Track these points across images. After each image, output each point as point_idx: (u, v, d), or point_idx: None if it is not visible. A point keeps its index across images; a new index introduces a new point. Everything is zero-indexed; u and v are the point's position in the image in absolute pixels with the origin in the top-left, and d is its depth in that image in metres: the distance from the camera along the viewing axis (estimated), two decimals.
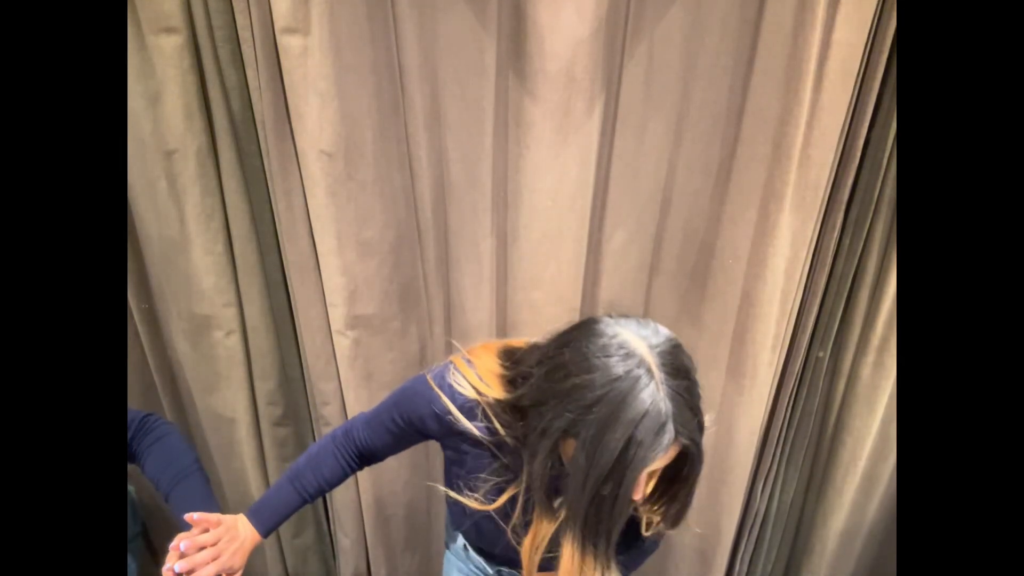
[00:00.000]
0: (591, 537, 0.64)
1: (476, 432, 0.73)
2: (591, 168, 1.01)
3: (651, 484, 0.68)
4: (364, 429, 0.83)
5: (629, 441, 0.58)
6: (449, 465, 0.80)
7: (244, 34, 0.94)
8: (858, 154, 1.00)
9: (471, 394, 0.72)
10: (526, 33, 0.93)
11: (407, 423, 0.78)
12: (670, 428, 0.59)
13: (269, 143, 0.99)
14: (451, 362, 0.76)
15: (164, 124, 0.98)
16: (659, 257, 1.11)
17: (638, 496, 0.63)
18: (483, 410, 0.72)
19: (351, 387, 1.16)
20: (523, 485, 0.71)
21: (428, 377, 0.76)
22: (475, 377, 0.73)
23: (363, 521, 1.33)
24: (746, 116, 0.98)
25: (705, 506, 1.28)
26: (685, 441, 0.60)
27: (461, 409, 0.73)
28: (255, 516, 0.80)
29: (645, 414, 0.58)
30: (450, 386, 0.74)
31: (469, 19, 0.94)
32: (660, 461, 0.61)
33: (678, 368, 0.62)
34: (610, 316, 0.67)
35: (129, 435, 0.86)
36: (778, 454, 1.25)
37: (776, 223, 1.02)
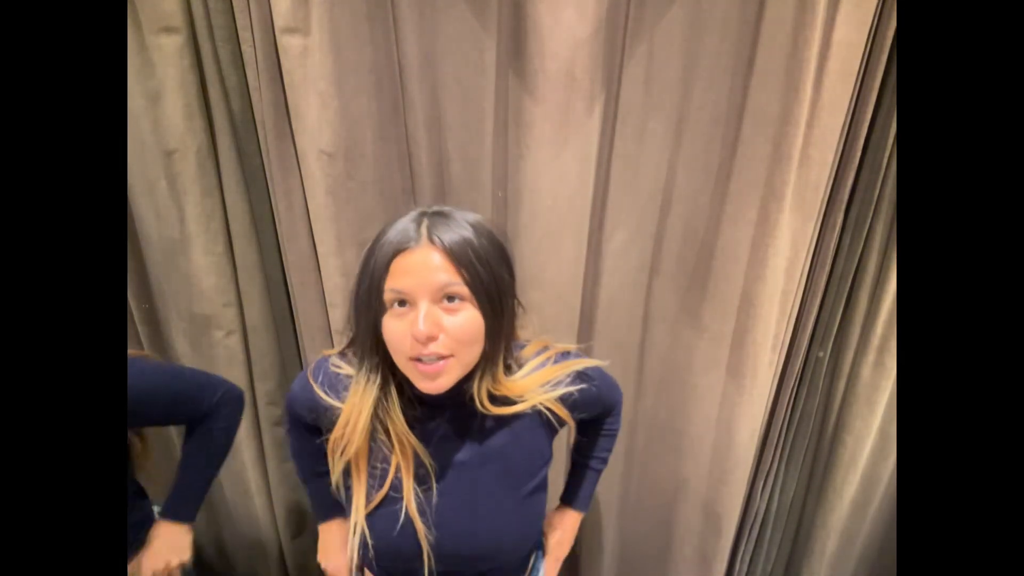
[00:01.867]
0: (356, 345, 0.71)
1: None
2: (591, 168, 1.01)
3: (433, 315, 0.65)
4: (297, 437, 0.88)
5: (378, 237, 0.67)
6: (345, 490, 0.80)
7: (244, 34, 0.94)
8: (858, 154, 0.99)
9: (349, 370, 0.74)
10: (526, 33, 0.93)
11: (307, 415, 0.80)
12: (421, 232, 0.64)
13: (269, 143, 0.99)
14: (324, 355, 0.80)
15: (164, 124, 0.98)
16: (659, 257, 1.11)
17: (423, 327, 0.62)
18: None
19: None
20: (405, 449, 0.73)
21: (307, 374, 0.79)
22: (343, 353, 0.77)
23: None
24: (746, 116, 0.98)
25: (705, 506, 1.28)
26: (438, 241, 0.63)
27: (340, 389, 0.75)
28: (325, 518, 0.94)
29: (397, 222, 0.67)
30: (326, 372, 0.77)
31: (469, 19, 0.94)
32: (410, 258, 0.63)
33: (444, 209, 0.68)
34: None
35: (213, 401, 0.92)
36: (778, 454, 1.25)
37: (776, 223, 1.02)
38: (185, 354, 1.18)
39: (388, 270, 0.64)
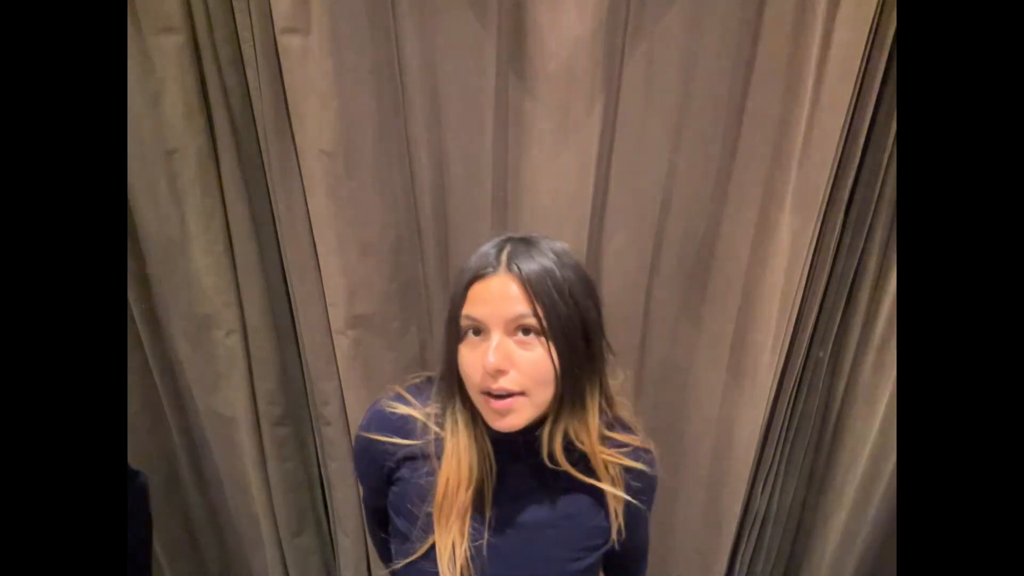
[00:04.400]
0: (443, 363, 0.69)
1: (411, 442, 0.72)
2: (591, 168, 1.01)
3: (508, 348, 0.62)
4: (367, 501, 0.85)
5: (462, 269, 0.65)
6: (394, 515, 0.75)
7: (244, 34, 0.94)
8: (858, 154, 0.99)
9: (404, 410, 0.72)
10: (526, 33, 0.93)
11: (370, 472, 0.77)
12: (501, 259, 0.63)
13: (269, 143, 0.99)
14: (379, 398, 0.76)
15: (164, 124, 0.98)
16: (659, 257, 1.11)
17: (492, 360, 0.60)
18: (420, 424, 0.71)
19: (351, 387, 1.16)
20: None
21: (360, 430, 0.76)
22: (404, 394, 0.74)
23: (363, 521, 1.33)
24: (746, 116, 0.98)
25: (705, 506, 1.28)
26: (516, 270, 0.61)
27: (398, 431, 0.72)
28: None
29: (482, 246, 0.66)
30: (379, 412, 0.73)
31: (469, 19, 0.94)
32: (487, 285, 0.62)
33: (530, 236, 0.66)
34: None
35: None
36: (778, 454, 1.25)
37: (776, 223, 1.02)
38: (185, 354, 1.18)
39: (465, 297, 0.62)
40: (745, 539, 1.34)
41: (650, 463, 0.75)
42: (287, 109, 0.96)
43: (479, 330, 0.62)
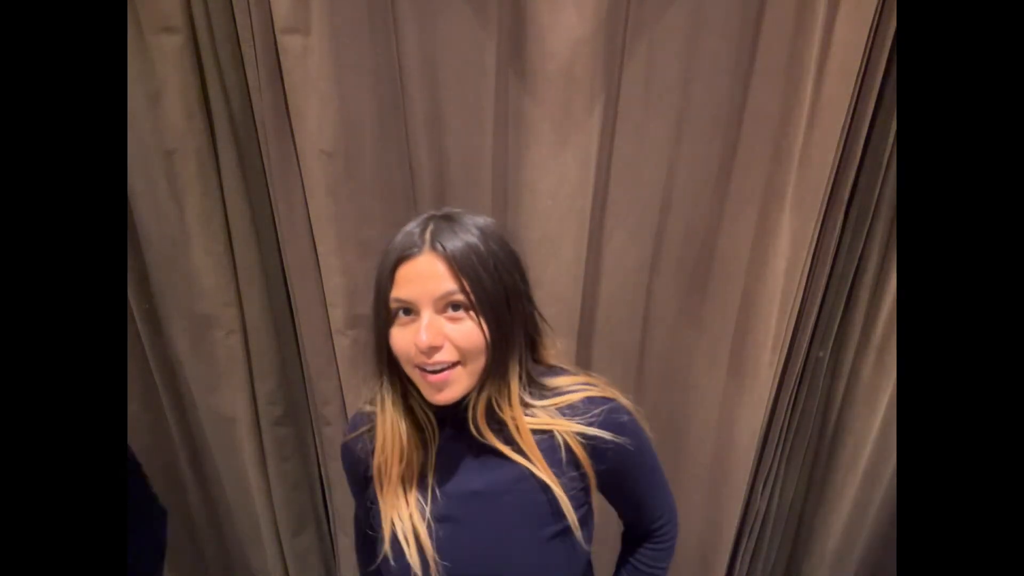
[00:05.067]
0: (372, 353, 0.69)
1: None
2: (591, 168, 1.01)
3: (437, 323, 0.62)
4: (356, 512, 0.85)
5: (388, 242, 0.65)
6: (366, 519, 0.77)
7: (244, 34, 0.94)
8: (858, 154, 0.99)
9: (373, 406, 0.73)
10: (526, 33, 0.93)
11: (351, 480, 0.79)
12: (425, 237, 0.63)
13: (269, 143, 0.99)
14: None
15: (164, 124, 0.98)
16: (659, 257, 1.11)
17: (424, 337, 0.60)
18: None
19: (351, 387, 1.16)
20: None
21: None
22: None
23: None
24: (746, 116, 0.98)
25: (705, 506, 1.28)
26: (440, 248, 0.61)
27: (365, 426, 0.74)
28: None
29: (406, 225, 0.66)
30: (354, 416, 0.77)
31: (469, 19, 0.94)
32: (413, 266, 0.62)
33: (452, 213, 0.66)
34: None
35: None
36: (778, 454, 1.25)
37: (776, 223, 1.02)
38: (185, 354, 1.18)
39: (393, 279, 0.63)
40: (745, 539, 1.34)
41: (605, 401, 0.70)
42: (287, 109, 0.96)
43: (409, 310, 0.63)
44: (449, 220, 0.65)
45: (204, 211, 1.05)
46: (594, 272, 1.10)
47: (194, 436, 1.29)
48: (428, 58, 0.97)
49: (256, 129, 1.02)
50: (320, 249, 1.05)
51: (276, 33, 0.90)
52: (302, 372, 1.23)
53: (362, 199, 1.02)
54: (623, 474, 0.72)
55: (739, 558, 1.36)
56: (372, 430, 0.72)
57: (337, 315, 1.09)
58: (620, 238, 1.07)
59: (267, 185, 1.06)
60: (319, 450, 1.30)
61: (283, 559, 1.43)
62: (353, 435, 0.76)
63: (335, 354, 1.14)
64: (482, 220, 0.66)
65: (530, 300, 0.70)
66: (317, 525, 1.43)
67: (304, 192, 1.02)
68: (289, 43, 0.91)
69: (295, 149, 0.99)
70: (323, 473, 1.32)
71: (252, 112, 1.01)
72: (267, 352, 1.20)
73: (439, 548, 0.68)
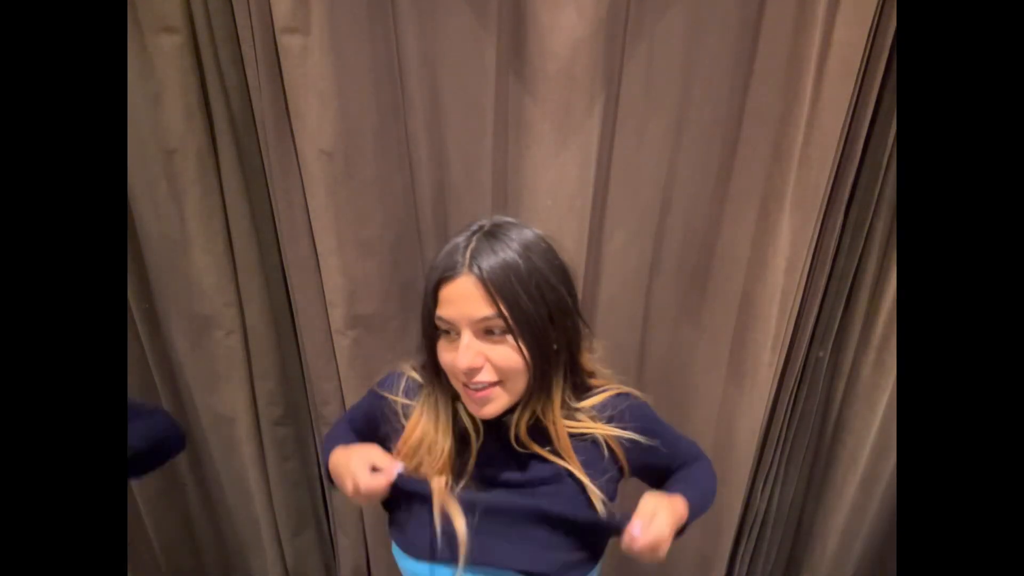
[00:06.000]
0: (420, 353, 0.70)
1: (410, 401, 0.76)
2: (591, 168, 1.01)
3: (476, 346, 0.63)
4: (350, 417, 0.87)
5: (432, 265, 0.66)
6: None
7: (244, 34, 0.94)
8: (858, 154, 0.99)
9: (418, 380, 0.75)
10: (526, 33, 0.93)
11: (366, 423, 0.81)
12: (465, 257, 0.62)
13: (269, 143, 0.99)
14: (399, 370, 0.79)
15: (164, 124, 0.98)
16: (659, 257, 1.11)
17: (462, 361, 0.62)
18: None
19: (351, 387, 1.16)
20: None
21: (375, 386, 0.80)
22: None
23: (363, 521, 1.33)
24: (746, 116, 0.98)
25: None
26: (477, 271, 0.61)
27: (406, 393, 0.76)
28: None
29: (455, 236, 0.66)
30: (400, 375, 0.78)
31: (469, 19, 0.94)
32: (453, 287, 0.62)
33: (499, 226, 0.65)
34: None
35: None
36: (778, 454, 1.25)
37: (776, 223, 1.02)
38: (185, 354, 1.18)
39: (436, 299, 0.64)
40: (745, 539, 1.34)
41: (626, 396, 0.75)
42: (287, 109, 0.96)
43: (451, 330, 0.64)
44: (492, 237, 0.64)
45: (204, 211, 1.05)
46: (594, 272, 1.10)
47: (194, 436, 1.29)
48: (428, 58, 0.97)
49: (256, 129, 1.02)
50: (320, 249, 1.05)
51: (276, 33, 0.90)
52: (302, 372, 1.23)
53: (362, 199, 1.02)
54: (650, 451, 0.75)
55: (739, 558, 1.36)
56: (408, 408, 0.74)
57: (337, 315, 1.10)
58: (620, 238, 1.07)
59: (267, 185, 1.06)
60: (319, 450, 1.30)
61: (283, 559, 1.43)
62: (390, 396, 0.76)
63: (335, 354, 1.14)
64: (530, 234, 0.66)
65: (579, 314, 0.70)
66: (317, 525, 1.43)
67: (304, 192, 1.02)
68: (289, 43, 0.91)
69: (295, 149, 0.99)
70: (323, 473, 1.32)
71: (252, 112, 1.01)
72: (267, 352, 1.20)
73: (471, 534, 0.69)
